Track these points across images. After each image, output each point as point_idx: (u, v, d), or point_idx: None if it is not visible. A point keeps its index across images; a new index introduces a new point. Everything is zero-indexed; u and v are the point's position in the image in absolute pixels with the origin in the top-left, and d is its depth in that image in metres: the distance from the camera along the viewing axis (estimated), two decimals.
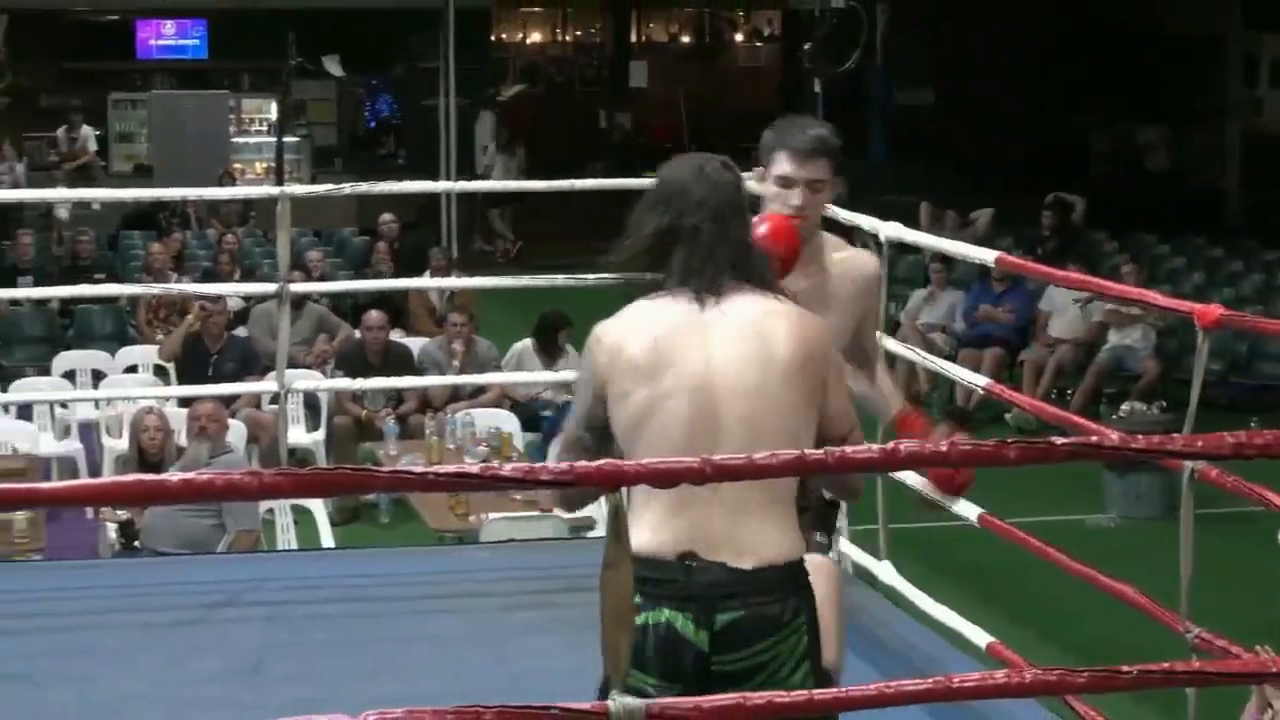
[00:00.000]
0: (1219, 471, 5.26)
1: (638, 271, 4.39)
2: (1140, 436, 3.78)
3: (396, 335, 15.18)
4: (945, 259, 17.07)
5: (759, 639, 4.13)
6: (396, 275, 17.22)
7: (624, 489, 3.49)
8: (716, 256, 4.28)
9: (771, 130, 5.24)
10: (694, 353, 4.18)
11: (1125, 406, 14.57)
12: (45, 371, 15.05)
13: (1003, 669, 5.54)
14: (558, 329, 14.00)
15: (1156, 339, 16.52)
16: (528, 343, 14.13)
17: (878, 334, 5.81)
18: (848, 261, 5.29)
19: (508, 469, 3.45)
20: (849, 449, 3.64)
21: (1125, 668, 3.52)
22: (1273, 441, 3.53)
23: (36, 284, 17.05)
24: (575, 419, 4.40)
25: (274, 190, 9.11)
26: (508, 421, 12.86)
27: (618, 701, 3.37)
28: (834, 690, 3.62)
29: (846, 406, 4.39)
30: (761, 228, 4.93)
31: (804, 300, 4.80)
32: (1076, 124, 29.61)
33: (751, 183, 5.14)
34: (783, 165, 5.11)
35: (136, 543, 9.91)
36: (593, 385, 4.30)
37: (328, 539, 10.26)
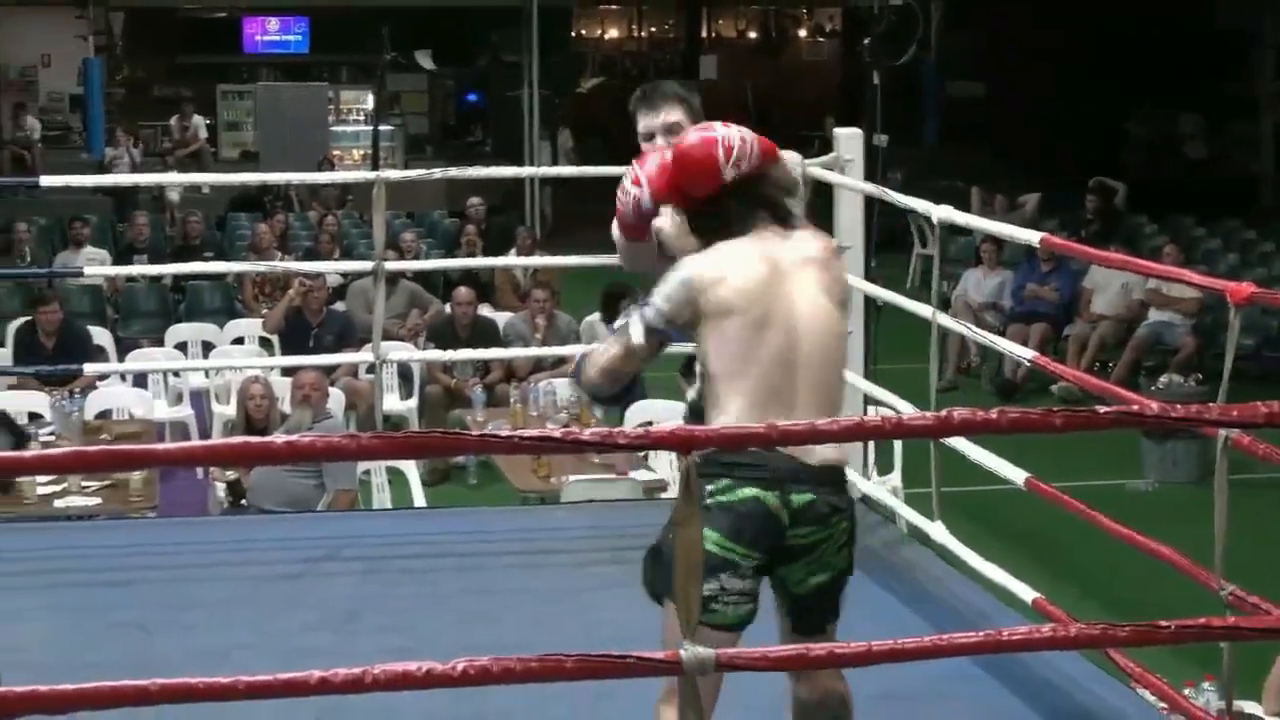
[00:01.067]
0: (1252, 439, 5.23)
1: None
2: (1179, 406, 3.75)
3: (484, 310, 15.20)
4: (995, 240, 17.01)
5: (823, 520, 4.52)
6: (484, 254, 17.23)
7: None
8: (764, 209, 4.67)
9: (631, 101, 5.61)
10: (781, 298, 4.55)
11: (1163, 378, 14.50)
12: (159, 343, 15.15)
13: (1049, 624, 5.52)
14: (620, 298, 13.97)
15: (1194, 316, 16.44)
16: (595, 315, 14.13)
17: None
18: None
19: (587, 434, 3.45)
20: (905, 417, 3.62)
21: (1164, 623, 3.50)
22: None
23: (151, 262, 17.18)
24: (658, 313, 4.61)
25: (370, 175, 9.11)
26: None
27: (689, 650, 3.37)
28: (890, 641, 3.61)
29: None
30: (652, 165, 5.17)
31: None
32: (1119, 115, 29.44)
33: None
34: (642, 122, 5.46)
35: (243, 501, 9.96)
36: (688, 296, 4.56)
37: (419, 499, 10.28)
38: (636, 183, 5.16)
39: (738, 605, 4.50)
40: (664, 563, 4.49)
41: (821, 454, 4.49)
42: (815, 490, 4.49)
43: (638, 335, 4.64)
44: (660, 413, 11.67)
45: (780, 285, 4.55)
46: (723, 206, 4.67)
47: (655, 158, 5.15)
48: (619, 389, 4.95)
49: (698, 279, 4.56)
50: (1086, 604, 9.32)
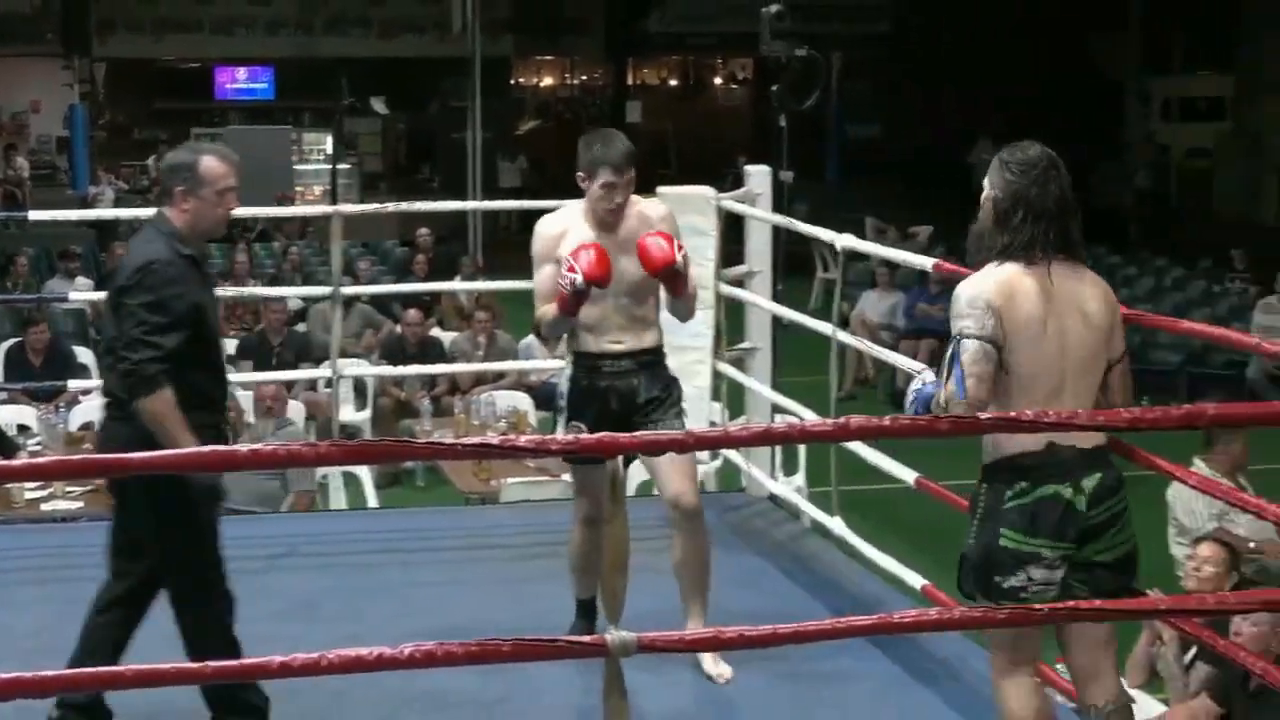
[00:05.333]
0: (1118, 441, 5.26)
1: (990, 241, 4.60)
2: (1051, 413, 3.78)
3: (431, 330, 15.17)
4: (889, 265, 17.07)
5: (1114, 494, 4.49)
6: (431, 279, 17.20)
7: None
8: (1050, 236, 4.52)
9: (594, 148, 5.78)
10: (1054, 315, 4.47)
11: None
12: None
13: (936, 608, 5.53)
14: None
15: None
16: (532, 336, 14.16)
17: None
18: (640, 211, 5.91)
19: (523, 441, 3.45)
20: (809, 424, 3.62)
21: (1037, 606, 3.52)
22: (1162, 416, 3.54)
23: None
24: (979, 339, 4.45)
25: (329, 209, 9.08)
26: (523, 401, 12.86)
27: (614, 635, 3.37)
28: (794, 625, 3.61)
29: (1122, 342, 4.70)
30: (583, 259, 5.57)
31: (621, 245, 5.72)
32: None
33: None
34: (607, 175, 5.73)
35: None
36: (992, 314, 4.43)
37: (372, 500, 10.25)
38: (572, 270, 5.54)
39: (1042, 592, 4.39)
40: (968, 565, 4.50)
41: (1095, 439, 4.49)
42: (1101, 470, 4.47)
43: (974, 359, 4.44)
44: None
45: (1051, 306, 4.48)
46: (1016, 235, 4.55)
47: (585, 254, 5.56)
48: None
49: (995, 301, 4.45)
50: None
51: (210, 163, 5.34)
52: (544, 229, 5.92)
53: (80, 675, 3.21)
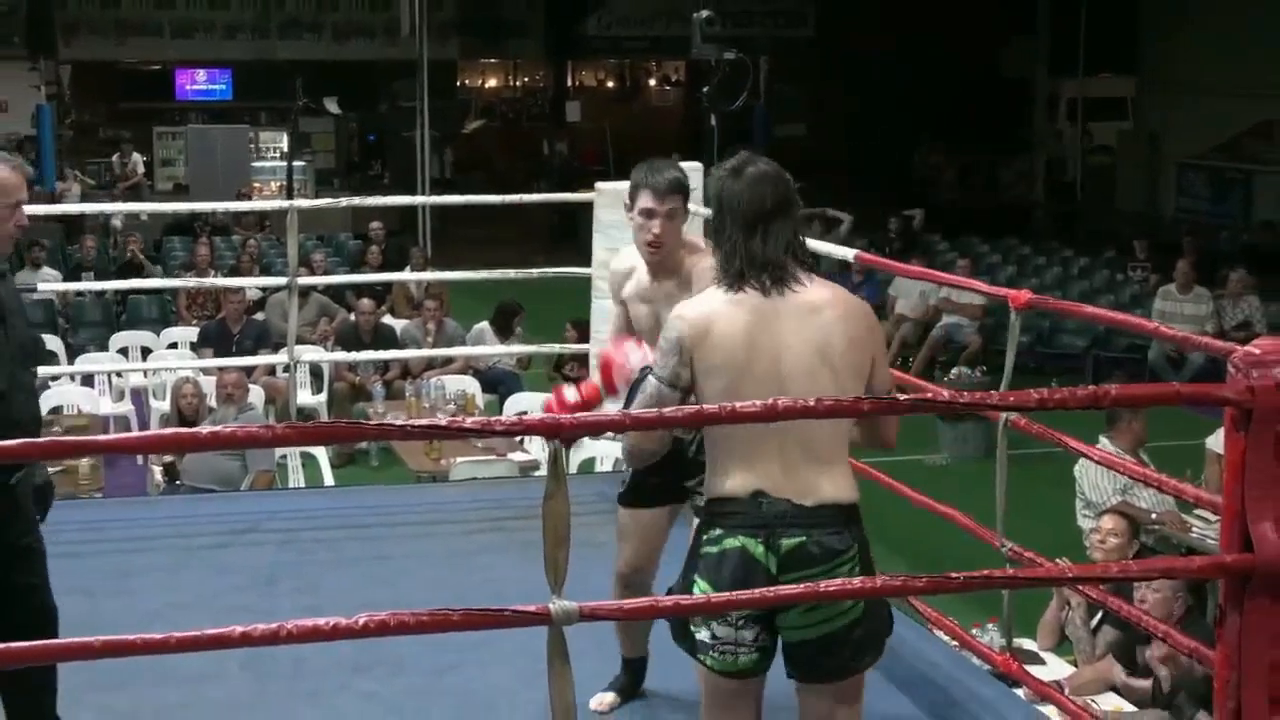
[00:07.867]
0: (1027, 420, 5.29)
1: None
2: (966, 394, 3.79)
3: (383, 318, 15.12)
4: (814, 255, 17.08)
5: (816, 562, 3.85)
6: (383, 270, 17.14)
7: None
8: (768, 251, 3.97)
9: (636, 171, 5.05)
10: (767, 347, 3.87)
11: (954, 371, 14.64)
12: (104, 347, 14.94)
13: (861, 576, 5.54)
14: (513, 315, 14.00)
15: (979, 318, 16.63)
16: (484, 324, 14.14)
17: None
18: (698, 261, 5.04)
19: (470, 422, 3.44)
20: (739, 406, 3.60)
21: (954, 574, 3.53)
22: (1068, 397, 3.55)
23: (96, 280, 16.96)
24: (659, 380, 3.98)
25: (285, 204, 9.02)
26: (470, 385, 12.85)
27: (557, 604, 3.36)
28: (724, 595, 3.62)
29: (888, 376, 4.07)
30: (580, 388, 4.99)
31: (672, 297, 4.77)
32: (919, 150, 29.71)
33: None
34: (646, 201, 4.95)
35: (178, 481, 9.85)
36: (679, 354, 3.92)
37: (329, 479, 10.22)
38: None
39: (734, 655, 3.92)
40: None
41: (821, 495, 3.88)
42: (807, 532, 3.85)
43: (646, 404, 3.98)
44: (534, 404, 11.68)
45: (764, 337, 3.88)
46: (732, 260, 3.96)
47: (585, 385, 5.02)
48: (666, 445, 4.46)
49: (687, 339, 3.92)
50: (892, 560, 9.39)
51: (3, 173, 4.65)
52: (614, 266, 5.30)
53: (50, 647, 3.19)
